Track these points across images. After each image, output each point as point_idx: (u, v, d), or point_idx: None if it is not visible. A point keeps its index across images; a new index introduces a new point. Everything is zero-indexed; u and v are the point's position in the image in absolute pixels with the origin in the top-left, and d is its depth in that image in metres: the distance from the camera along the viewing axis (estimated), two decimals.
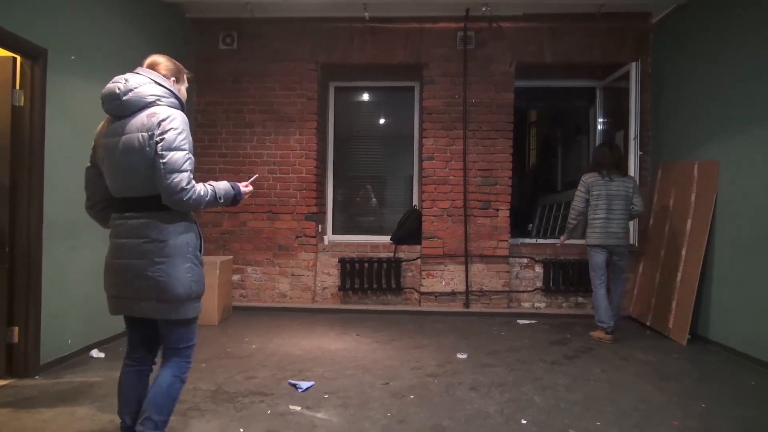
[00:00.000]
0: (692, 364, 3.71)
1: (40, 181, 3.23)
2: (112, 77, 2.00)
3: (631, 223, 4.97)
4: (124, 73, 2.02)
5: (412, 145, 5.92)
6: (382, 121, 6.09)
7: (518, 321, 4.99)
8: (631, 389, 3.13)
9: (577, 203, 4.40)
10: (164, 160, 1.86)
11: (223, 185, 2.07)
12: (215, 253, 5.41)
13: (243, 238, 5.52)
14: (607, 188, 4.29)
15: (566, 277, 5.34)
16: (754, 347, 3.70)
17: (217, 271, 4.66)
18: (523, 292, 5.44)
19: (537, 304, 5.44)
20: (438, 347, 4.04)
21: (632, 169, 5.00)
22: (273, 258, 5.50)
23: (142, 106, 1.94)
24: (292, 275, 5.48)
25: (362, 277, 5.41)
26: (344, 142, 6.02)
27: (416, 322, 4.90)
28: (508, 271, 5.39)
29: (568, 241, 4.84)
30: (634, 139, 5.03)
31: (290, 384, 3.14)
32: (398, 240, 5.53)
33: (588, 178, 4.37)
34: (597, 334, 4.33)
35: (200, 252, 2.07)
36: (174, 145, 1.88)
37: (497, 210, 5.38)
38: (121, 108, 1.94)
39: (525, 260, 5.46)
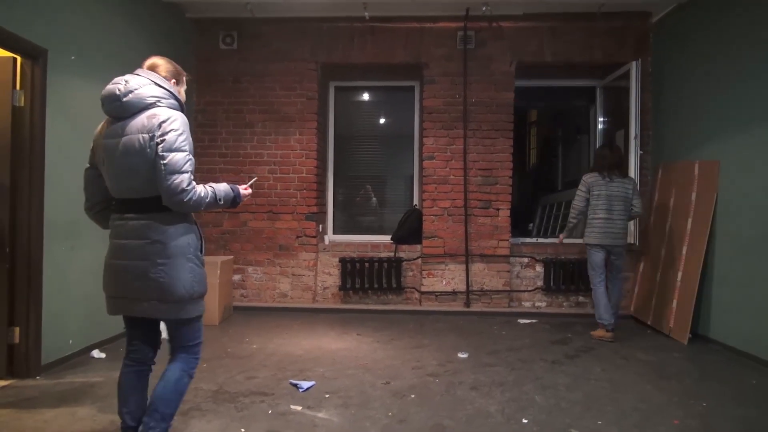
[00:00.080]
0: (693, 363, 3.71)
1: (41, 181, 3.23)
2: (113, 77, 2.01)
3: (631, 223, 4.99)
4: (124, 73, 2.03)
5: (412, 144, 5.92)
6: (382, 120, 6.08)
7: (519, 320, 4.99)
8: (632, 389, 3.13)
9: (578, 202, 4.41)
10: (165, 161, 1.86)
11: (222, 187, 2.08)
12: (216, 253, 5.42)
13: (243, 238, 5.52)
14: (608, 189, 4.31)
15: (567, 276, 5.34)
16: (755, 346, 3.70)
17: (218, 271, 4.66)
18: (524, 291, 5.44)
19: (538, 304, 5.44)
20: (439, 347, 4.04)
21: (632, 168, 5.00)
22: (273, 258, 5.50)
23: (143, 107, 1.94)
24: (293, 275, 5.49)
25: (363, 277, 5.41)
26: (344, 141, 6.02)
27: (417, 322, 4.90)
28: (508, 271, 5.39)
29: (568, 241, 4.85)
30: (635, 138, 5.02)
31: (291, 384, 3.15)
32: (399, 239, 5.53)
33: (589, 178, 4.39)
34: (598, 333, 4.33)
35: (201, 252, 2.09)
36: (174, 146, 1.89)
37: (498, 209, 5.37)
38: (122, 109, 1.94)
39: (525, 260, 5.46)
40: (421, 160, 5.56)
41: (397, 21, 5.39)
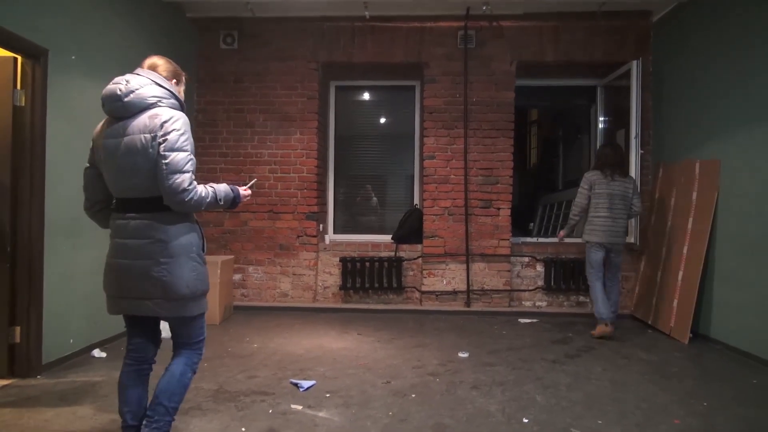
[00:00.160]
0: (694, 362, 3.71)
1: (42, 180, 3.23)
2: (113, 77, 2.01)
3: (632, 222, 4.99)
4: (124, 73, 2.03)
5: (412, 144, 5.91)
6: (383, 120, 6.08)
7: (519, 320, 4.99)
8: (633, 388, 3.13)
9: (580, 200, 4.43)
10: (166, 161, 1.87)
11: (223, 188, 2.10)
12: (216, 252, 5.42)
13: (244, 237, 5.52)
14: (609, 187, 4.34)
15: (567, 275, 5.33)
16: (756, 346, 3.69)
17: (219, 271, 4.66)
18: (525, 291, 5.44)
19: (538, 303, 5.44)
20: (439, 346, 4.04)
21: (633, 167, 4.99)
22: (274, 257, 5.50)
23: (144, 107, 1.95)
24: (294, 275, 5.49)
25: (363, 277, 5.41)
26: (345, 141, 6.02)
27: (417, 321, 4.90)
28: (509, 270, 5.39)
29: (569, 240, 4.86)
30: (635, 137, 5.02)
31: (292, 383, 3.15)
32: (399, 239, 5.53)
33: (591, 176, 4.42)
34: (598, 330, 4.32)
35: (203, 251, 2.11)
36: (176, 146, 1.90)
37: (498, 209, 5.37)
38: (123, 109, 1.95)
39: (526, 259, 5.45)
40: (421, 160, 5.56)
41: (398, 20, 5.39)
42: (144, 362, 2.15)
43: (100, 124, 2.05)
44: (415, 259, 5.47)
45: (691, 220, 4.42)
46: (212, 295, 4.55)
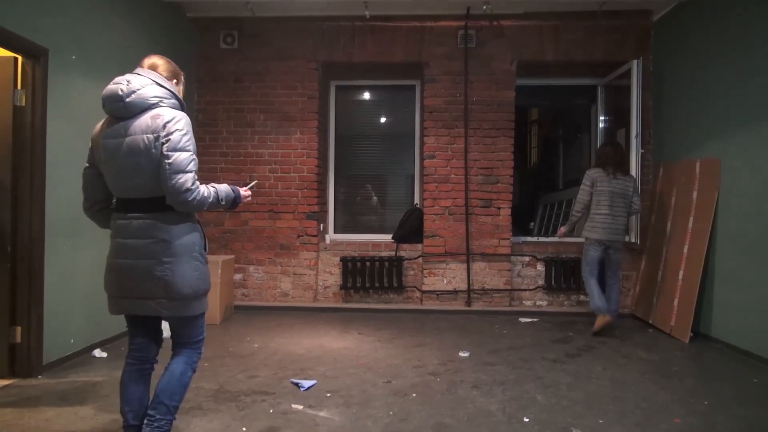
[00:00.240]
0: (694, 362, 3.71)
1: (42, 180, 3.23)
2: (113, 77, 2.01)
3: (632, 221, 4.99)
4: (124, 73, 2.02)
5: (413, 143, 5.91)
6: (383, 119, 6.08)
7: (520, 319, 4.99)
8: (633, 387, 3.13)
9: (583, 196, 4.46)
10: (169, 161, 1.88)
11: (224, 188, 2.11)
12: (217, 252, 5.42)
13: (245, 237, 5.52)
14: (610, 185, 4.39)
15: (568, 275, 5.33)
16: (757, 345, 3.69)
17: (219, 271, 4.66)
18: (525, 290, 5.44)
19: (539, 303, 5.44)
20: (440, 346, 4.04)
21: (633, 167, 4.99)
22: (275, 257, 5.50)
23: (146, 107, 1.95)
24: (294, 274, 5.49)
25: (364, 276, 5.41)
26: (345, 140, 6.01)
27: (418, 321, 4.90)
28: (509, 270, 5.39)
29: (569, 239, 4.87)
30: (636, 137, 5.02)
31: (292, 383, 3.15)
32: (400, 239, 5.53)
33: (594, 173, 4.46)
34: (597, 323, 4.32)
35: (205, 250, 2.12)
36: (179, 146, 1.91)
37: (499, 208, 5.37)
38: (125, 109, 1.95)
39: (527, 258, 5.45)
40: (422, 159, 5.56)
41: (398, 20, 5.39)
42: (146, 362, 2.15)
43: (100, 123, 2.05)
44: (415, 258, 5.47)
45: (691, 219, 4.42)
46: (213, 294, 4.55)
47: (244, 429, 2.51)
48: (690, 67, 4.64)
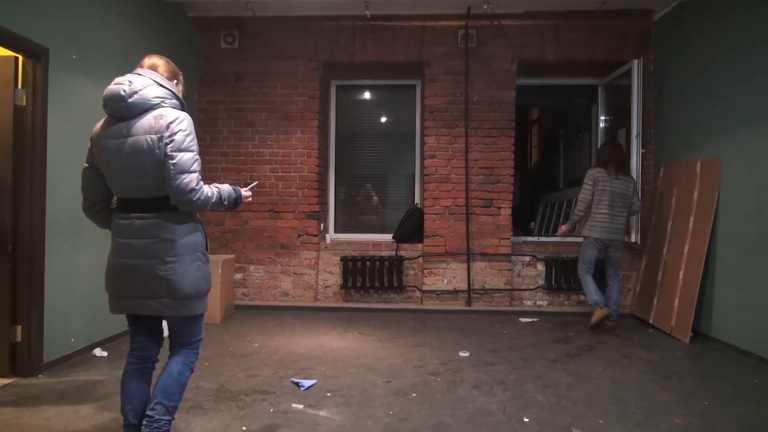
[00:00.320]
0: (695, 362, 3.71)
1: (43, 179, 3.23)
2: (114, 77, 2.01)
3: (633, 221, 4.99)
4: (125, 72, 2.02)
5: (413, 143, 5.91)
6: (383, 119, 6.08)
7: (520, 319, 4.99)
8: (634, 387, 3.13)
9: (585, 195, 4.49)
10: (174, 161, 1.89)
11: (226, 188, 2.13)
12: (217, 251, 5.42)
13: (245, 236, 5.52)
14: (611, 185, 4.44)
15: (568, 275, 5.32)
16: (757, 345, 3.69)
17: (220, 270, 4.66)
18: (525, 290, 5.44)
19: (539, 302, 5.44)
20: (440, 345, 4.04)
21: (634, 167, 4.99)
22: (275, 257, 5.50)
23: (148, 108, 1.95)
24: (294, 274, 5.49)
25: (364, 276, 5.41)
26: (346, 140, 6.01)
27: (418, 321, 4.90)
28: (510, 269, 5.39)
29: (570, 239, 4.88)
30: (636, 136, 5.01)
31: (292, 382, 3.15)
32: (400, 238, 5.53)
33: (595, 173, 4.50)
34: (595, 316, 4.37)
35: (207, 250, 2.13)
36: (183, 146, 1.92)
37: (499, 208, 5.37)
38: (127, 110, 1.95)
39: (527, 258, 5.45)
40: (422, 159, 5.56)
41: (399, 19, 5.39)
42: (147, 361, 2.15)
43: (99, 124, 2.04)
44: (415, 258, 5.47)
45: (692, 219, 4.41)
46: (213, 294, 4.56)
47: (244, 428, 2.51)
48: (691, 66, 4.64)
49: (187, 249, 2.00)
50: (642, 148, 5.07)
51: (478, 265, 5.37)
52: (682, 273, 4.39)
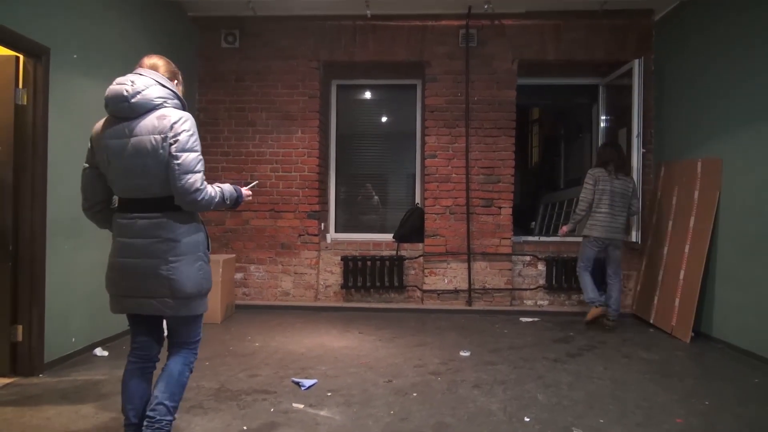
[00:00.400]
0: (695, 361, 3.71)
1: (44, 179, 3.24)
2: (115, 76, 2.01)
3: (633, 220, 4.99)
4: (125, 72, 2.03)
5: (414, 142, 5.91)
6: (384, 119, 6.08)
7: (521, 319, 4.99)
8: (635, 387, 3.13)
9: (587, 195, 4.52)
10: (178, 162, 1.89)
11: (228, 187, 2.13)
12: (218, 251, 5.42)
13: (246, 236, 5.53)
14: (612, 185, 4.47)
15: (569, 274, 5.32)
16: (757, 345, 3.69)
17: (220, 270, 4.67)
18: (526, 290, 5.44)
19: (540, 302, 5.44)
20: (441, 345, 4.04)
21: (635, 166, 4.99)
22: (276, 256, 5.50)
23: (150, 108, 1.96)
24: (295, 273, 5.49)
25: (365, 275, 5.41)
26: (346, 140, 6.01)
27: (419, 320, 4.90)
28: (510, 269, 5.39)
29: (571, 239, 4.88)
30: (637, 136, 5.01)
31: (293, 382, 3.15)
32: (401, 238, 5.53)
33: (596, 172, 4.53)
34: (590, 314, 4.47)
35: (208, 250, 2.14)
36: (187, 146, 1.92)
37: (500, 208, 5.37)
38: (129, 110, 1.94)
39: (528, 258, 5.45)
40: (423, 159, 5.56)
41: (399, 19, 5.39)
42: (148, 360, 2.15)
43: (99, 123, 2.04)
44: (416, 257, 5.47)
45: (692, 219, 4.41)
46: (214, 293, 4.55)
47: (244, 428, 2.51)
48: (691, 66, 4.64)
49: (190, 249, 2.01)
50: (643, 148, 5.07)
51: (478, 265, 5.37)
52: (682, 273, 4.39)
